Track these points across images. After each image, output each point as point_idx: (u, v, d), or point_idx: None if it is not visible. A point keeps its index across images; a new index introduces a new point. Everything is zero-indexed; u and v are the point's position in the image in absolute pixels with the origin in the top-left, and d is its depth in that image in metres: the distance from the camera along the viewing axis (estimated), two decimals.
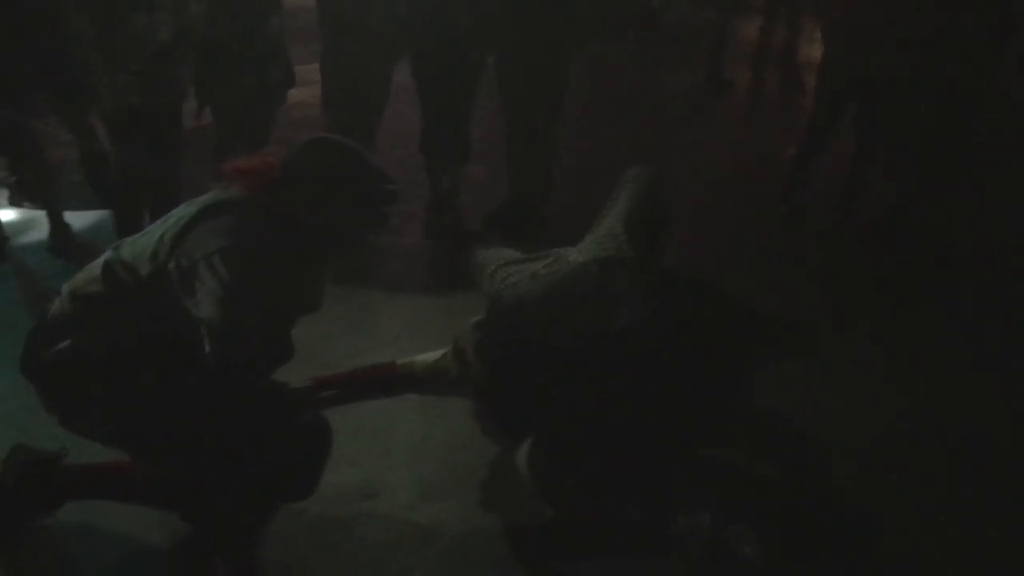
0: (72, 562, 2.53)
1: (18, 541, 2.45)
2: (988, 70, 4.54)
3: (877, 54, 4.55)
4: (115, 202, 4.37)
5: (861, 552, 2.70)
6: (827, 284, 4.49)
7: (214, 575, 2.41)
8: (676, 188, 4.04)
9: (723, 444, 2.98)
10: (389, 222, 2.60)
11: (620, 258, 3.00)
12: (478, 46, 4.51)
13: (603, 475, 2.80)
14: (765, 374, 2.87)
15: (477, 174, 5.18)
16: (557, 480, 2.80)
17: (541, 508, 2.78)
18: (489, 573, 2.55)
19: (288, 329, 2.47)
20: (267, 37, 4.59)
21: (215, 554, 2.45)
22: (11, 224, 4.61)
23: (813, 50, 8.17)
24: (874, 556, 2.70)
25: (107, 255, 2.37)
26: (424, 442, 3.12)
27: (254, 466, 2.22)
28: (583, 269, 2.95)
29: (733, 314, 2.88)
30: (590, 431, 2.72)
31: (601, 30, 7.02)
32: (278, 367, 2.41)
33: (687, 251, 4.00)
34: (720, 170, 6.08)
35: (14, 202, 4.88)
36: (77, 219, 4.56)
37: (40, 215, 4.68)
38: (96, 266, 2.38)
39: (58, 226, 4.43)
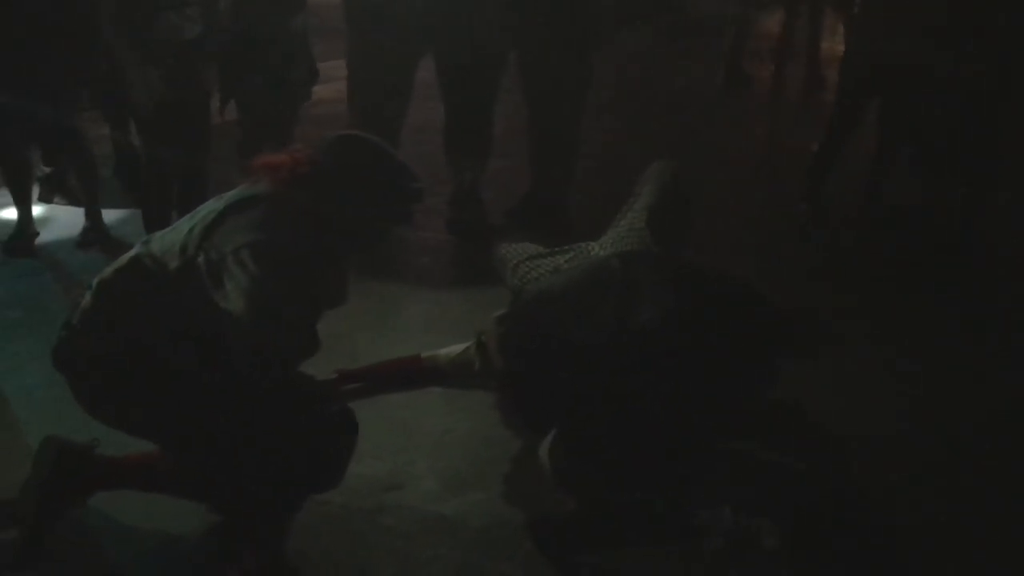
0: (102, 552, 2.56)
1: (49, 530, 2.49)
2: (1018, 63, 4.49)
3: (901, 48, 4.53)
4: (143, 198, 4.43)
5: (880, 545, 2.70)
6: (845, 280, 4.48)
7: (241, 564, 2.43)
8: (698, 183, 4.04)
9: (745, 437, 2.99)
10: (413, 218, 2.63)
11: (642, 252, 3.02)
12: (501, 41, 4.53)
13: (625, 468, 2.81)
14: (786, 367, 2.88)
15: (499, 169, 5.19)
16: (579, 473, 2.81)
17: (563, 500, 2.79)
18: (512, 564, 2.56)
19: (314, 323, 2.50)
20: (291, 34, 4.63)
21: (242, 544, 2.48)
22: (39, 220, 4.67)
23: (835, 44, 8.14)
24: (892, 550, 2.70)
25: (136, 249, 2.41)
26: (448, 435, 3.14)
27: (281, 457, 2.25)
28: (605, 263, 2.97)
29: (755, 307, 2.89)
30: (612, 424, 2.73)
31: (624, 24, 7.01)
32: (304, 360, 2.44)
33: (709, 245, 4.01)
34: (741, 165, 6.08)
35: (43, 198, 4.95)
36: (106, 215, 4.62)
37: (68, 211, 4.75)
38: (125, 260, 2.42)
39: (94, 221, 4.49)
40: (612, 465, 2.80)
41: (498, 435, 3.11)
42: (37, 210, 4.72)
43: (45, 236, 4.55)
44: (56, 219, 4.76)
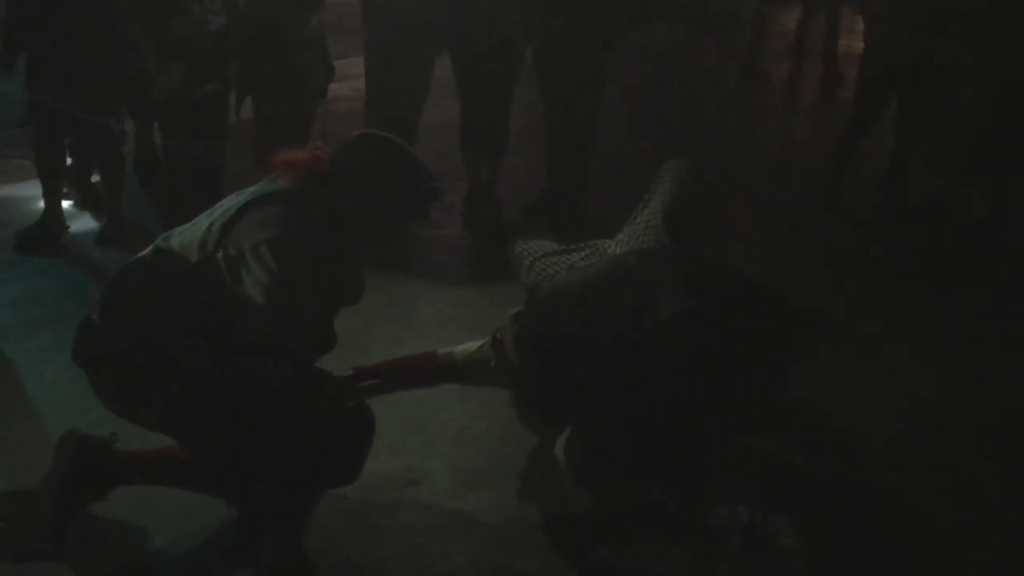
0: (120, 546, 2.58)
1: (68, 524, 2.51)
2: None
3: (920, 45, 4.51)
4: (164, 194, 4.46)
5: (892, 545, 2.69)
6: (862, 278, 4.47)
7: (258, 559, 2.44)
8: (714, 180, 4.04)
9: (761, 435, 2.98)
10: (428, 216, 2.65)
11: (659, 250, 3.01)
12: (517, 39, 4.53)
13: (641, 465, 2.82)
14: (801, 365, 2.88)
15: (515, 167, 5.20)
16: (595, 470, 2.82)
17: (579, 498, 2.80)
18: (528, 561, 2.57)
19: (331, 319, 2.52)
20: (308, 32, 4.64)
21: (260, 539, 2.49)
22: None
23: (852, 42, 8.11)
24: (910, 547, 2.69)
25: (156, 244, 2.42)
26: (464, 431, 3.15)
27: (298, 452, 2.26)
28: (622, 260, 2.97)
29: (771, 305, 2.89)
30: (628, 422, 2.73)
31: (640, 22, 7.01)
32: (321, 356, 2.46)
33: (725, 243, 4.00)
34: (759, 162, 6.06)
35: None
36: (124, 212, 4.64)
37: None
38: (145, 256, 2.43)
39: (114, 218, 4.52)
40: (628, 462, 2.80)
41: (514, 432, 3.12)
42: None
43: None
44: (76, 216, 4.79)
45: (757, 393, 2.84)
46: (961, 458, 3.07)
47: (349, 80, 5.98)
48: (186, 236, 2.35)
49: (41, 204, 4.52)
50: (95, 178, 4.81)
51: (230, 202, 2.37)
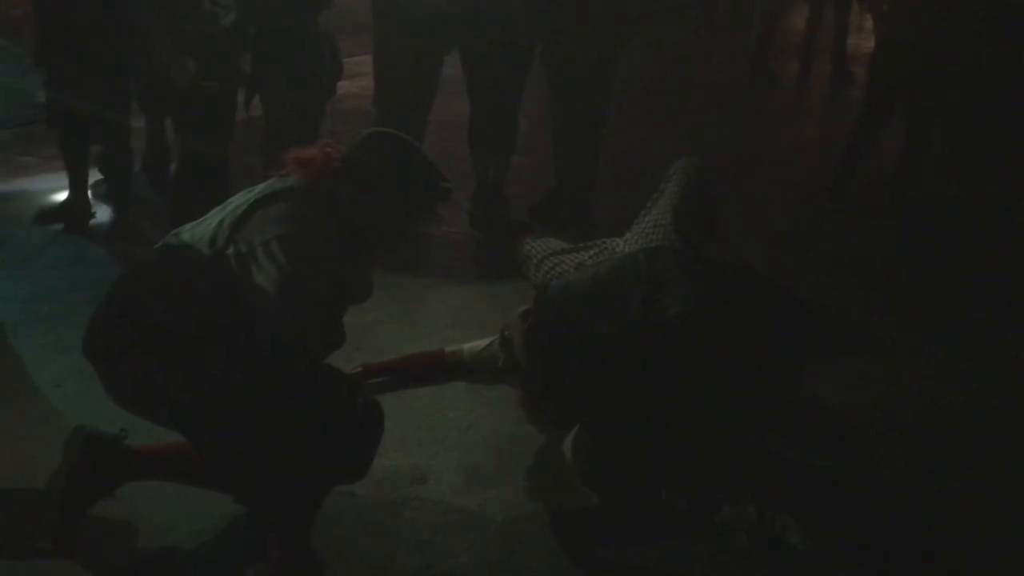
0: (130, 542, 2.59)
1: (78, 520, 2.51)
2: None
3: (931, 42, 4.50)
4: (174, 190, 4.47)
5: (907, 543, 2.68)
6: (876, 274, 4.46)
7: (267, 555, 2.45)
8: (723, 179, 4.03)
9: (770, 433, 2.98)
10: (437, 215, 2.65)
11: (667, 248, 3.01)
12: (527, 37, 4.53)
13: (649, 464, 2.82)
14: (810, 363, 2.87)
15: (523, 165, 5.19)
16: (603, 468, 2.82)
17: (587, 495, 2.80)
18: (535, 559, 2.57)
19: (340, 316, 2.51)
20: (317, 30, 4.65)
21: (268, 534, 2.49)
22: None
23: (861, 40, 8.09)
24: (920, 548, 2.68)
25: (166, 241, 2.43)
26: (472, 429, 3.15)
27: (307, 448, 2.26)
28: (630, 259, 2.97)
29: (781, 303, 2.88)
30: (636, 420, 2.73)
31: (651, 18, 7.00)
32: (330, 353, 2.46)
33: (734, 241, 4.00)
34: (768, 161, 6.06)
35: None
36: (136, 207, 4.66)
37: (96, 205, 4.79)
38: (156, 252, 2.44)
39: (122, 215, 4.54)
40: (635, 461, 2.80)
41: (522, 430, 3.12)
42: None
43: (71, 230, 4.60)
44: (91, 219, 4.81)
45: (766, 392, 2.83)
46: (973, 459, 3.06)
47: (358, 78, 6.00)
48: (196, 232, 2.36)
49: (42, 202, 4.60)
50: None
51: (241, 198, 2.37)
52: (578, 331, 2.85)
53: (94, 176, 4.79)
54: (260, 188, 2.39)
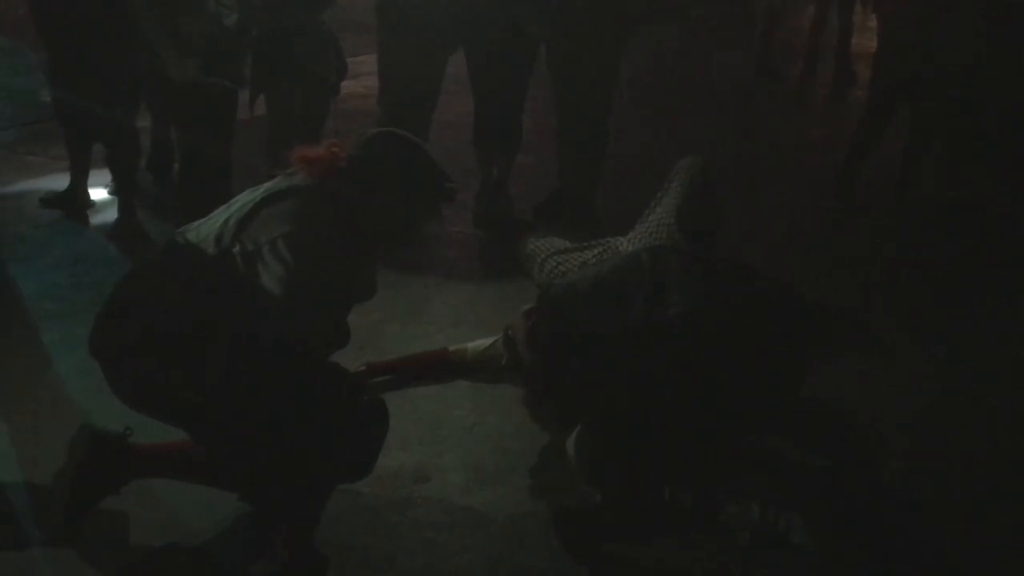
0: (135, 539, 2.60)
1: (83, 518, 2.52)
2: None
3: (935, 42, 4.50)
4: (179, 189, 4.48)
5: (906, 542, 2.69)
6: (878, 274, 4.46)
7: (271, 553, 2.46)
8: (727, 178, 4.04)
9: (773, 432, 2.98)
10: (441, 214, 2.67)
11: (671, 247, 3.01)
12: (531, 36, 4.53)
13: (652, 462, 2.82)
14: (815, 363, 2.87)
15: (527, 164, 5.20)
16: (606, 466, 2.82)
17: (590, 494, 2.81)
18: (539, 557, 2.58)
19: (344, 315, 2.53)
20: (321, 29, 4.66)
21: (273, 533, 2.50)
22: None
23: (864, 40, 8.09)
24: (922, 547, 2.69)
25: (172, 239, 2.44)
26: (475, 428, 3.16)
27: (312, 446, 2.27)
28: (634, 258, 2.97)
29: (784, 303, 2.89)
30: (639, 418, 2.73)
31: (655, 17, 7.01)
32: (334, 351, 2.47)
33: (738, 240, 4.00)
34: (772, 161, 6.06)
35: None
36: (141, 206, 4.68)
37: (102, 203, 4.81)
38: (162, 250, 2.45)
39: (127, 213, 4.55)
40: (639, 460, 2.81)
41: (525, 429, 3.12)
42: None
43: (77, 228, 4.61)
44: (89, 211, 4.82)
45: (767, 392, 2.84)
46: (975, 459, 3.07)
47: (361, 77, 6.01)
48: (202, 231, 2.37)
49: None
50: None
51: (247, 197, 2.39)
52: (581, 330, 2.85)
53: (103, 176, 4.82)
54: (266, 187, 2.40)
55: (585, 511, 2.77)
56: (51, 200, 4.83)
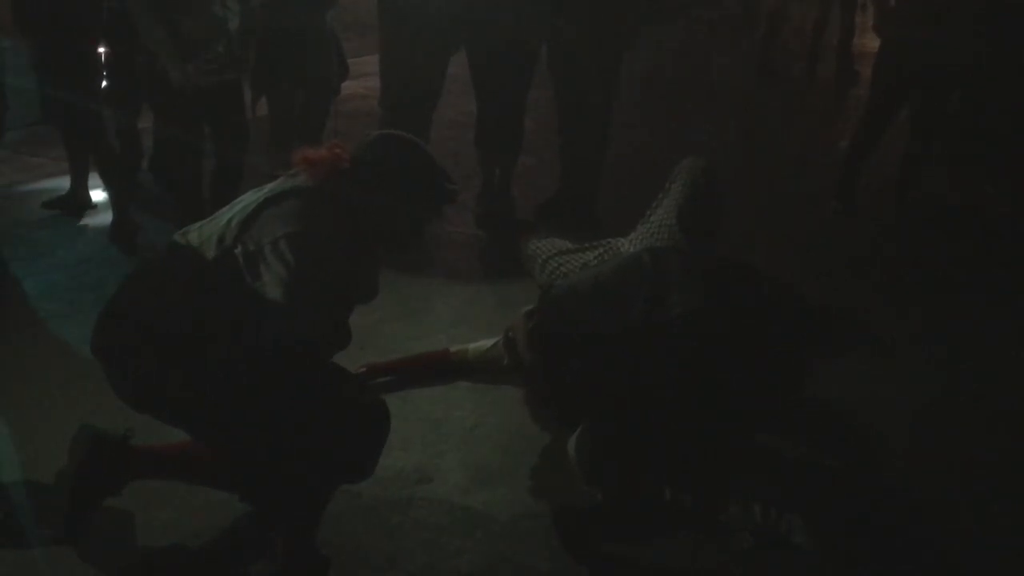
0: (136, 540, 2.60)
1: (84, 519, 2.53)
2: None
3: (935, 44, 4.50)
4: (179, 190, 4.48)
5: (911, 543, 2.69)
6: (878, 274, 4.47)
7: (273, 554, 2.46)
8: (728, 179, 4.04)
9: (774, 433, 2.99)
10: (442, 215, 2.67)
11: (672, 248, 3.02)
12: (533, 38, 4.54)
13: (653, 463, 2.83)
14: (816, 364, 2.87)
15: (529, 165, 5.20)
16: (607, 467, 2.82)
17: (591, 494, 2.81)
18: (540, 558, 2.58)
19: (346, 316, 2.53)
20: (322, 30, 4.66)
21: (274, 533, 2.51)
22: None
23: (866, 40, 8.09)
24: (923, 547, 2.69)
25: (174, 239, 2.44)
26: (476, 428, 3.16)
27: (313, 447, 2.27)
28: (635, 259, 2.97)
29: (786, 304, 2.89)
30: (640, 419, 2.74)
31: (655, 17, 7.02)
32: (336, 352, 2.48)
33: (739, 241, 4.01)
34: (773, 161, 6.06)
35: None
36: (140, 208, 4.68)
37: (104, 204, 4.82)
38: (163, 250, 2.45)
39: (124, 215, 4.56)
40: (639, 460, 2.81)
41: (526, 429, 3.13)
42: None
43: (79, 229, 4.61)
44: (91, 211, 4.83)
45: (771, 392, 2.84)
46: (975, 459, 3.07)
47: (363, 78, 6.01)
48: (204, 231, 2.37)
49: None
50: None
51: (249, 198, 2.39)
52: (582, 331, 2.86)
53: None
54: (269, 187, 2.41)
55: (587, 511, 2.77)
56: (53, 202, 4.86)
